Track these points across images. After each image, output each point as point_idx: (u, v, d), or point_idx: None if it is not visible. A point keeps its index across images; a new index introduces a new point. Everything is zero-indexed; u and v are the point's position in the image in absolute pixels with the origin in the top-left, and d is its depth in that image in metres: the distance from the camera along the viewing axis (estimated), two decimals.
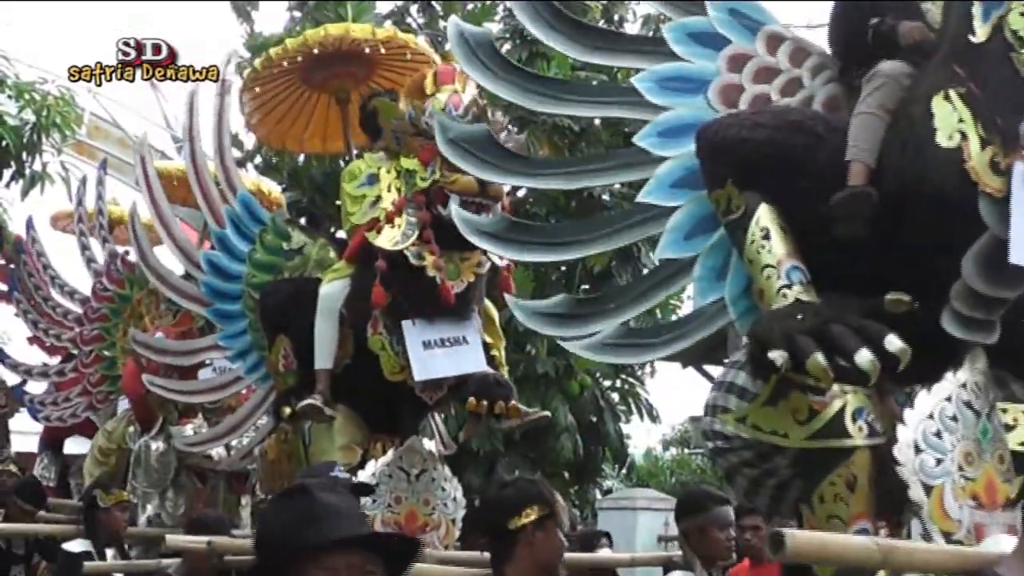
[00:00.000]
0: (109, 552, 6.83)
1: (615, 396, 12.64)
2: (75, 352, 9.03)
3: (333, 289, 5.36)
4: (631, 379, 12.83)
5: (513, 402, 5.07)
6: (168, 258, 7.44)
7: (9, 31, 8.78)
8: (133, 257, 8.89)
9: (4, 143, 7.49)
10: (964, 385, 3.02)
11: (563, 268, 11.74)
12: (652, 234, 3.67)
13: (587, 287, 11.90)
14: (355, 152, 6.11)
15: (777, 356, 2.97)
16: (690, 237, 3.58)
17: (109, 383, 8.60)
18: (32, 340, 9.75)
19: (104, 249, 8.92)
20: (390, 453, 5.13)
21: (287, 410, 5.40)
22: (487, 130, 3.78)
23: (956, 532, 2.87)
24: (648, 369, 13.73)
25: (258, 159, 14.59)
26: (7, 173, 7.82)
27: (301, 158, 12.14)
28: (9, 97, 7.71)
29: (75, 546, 6.65)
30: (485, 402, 5.00)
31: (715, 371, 16.51)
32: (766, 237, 3.28)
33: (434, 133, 4.81)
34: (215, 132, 6.02)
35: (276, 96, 6.47)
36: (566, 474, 12.25)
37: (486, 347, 5.29)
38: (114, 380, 8.55)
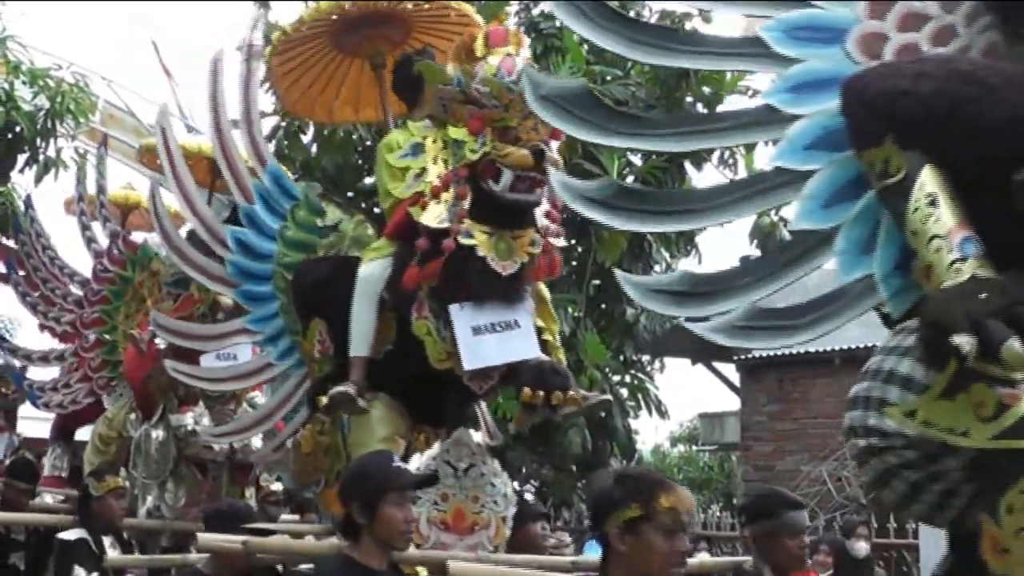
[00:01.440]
0: (107, 540, 6.24)
1: (624, 391, 12.12)
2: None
3: (373, 270, 4.74)
4: (640, 375, 12.34)
5: (572, 391, 4.47)
6: None
7: (24, 19, 8.39)
8: (135, 237, 8.45)
9: (18, 129, 7.31)
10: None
11: (574, 263, 11.19)
12: (782, 203, 3.11)
13: (598, 282, 11.36)
14: (392, 122, 5.48)
15: (964, 342, 2.40)
16: (830, 205, 2.99)
17: (110, 368, 7.98)
18: (43, 327, 9.10)
19: (105, 229, 8.28)
20: (436, 446, 4.61)
21: (323, 399, 4.78)
22: (586, 85, 3.19)
23: None
24: (657, 365, 13.28)
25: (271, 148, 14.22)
26: (21, 159, 7.58)
27: (314, 148, 11.60)
28: (24, 83, 7.50)
29: (70, 534, 6.10)
30: (541, 392, 4.40)
31: (725, 368, 16.36)
32: (933, 204, 2.69)
33: (485, 100, 4.35)
34: (242, 100, 5.37)
35: (305, 61, 5.83)
36: (574, 469, 11.78)
37: (538, 331, 4.69)
38: (115, 365, 7.94)
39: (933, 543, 8.16)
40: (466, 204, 4.41)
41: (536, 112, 3.21)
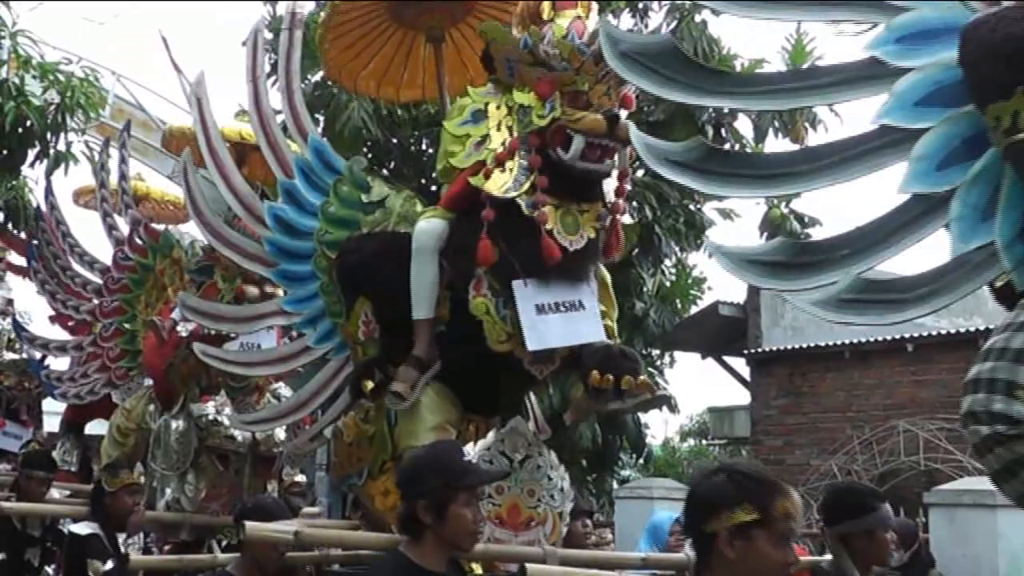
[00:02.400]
0: (121, 536, 6.04)
1: None
2: (98, 330, 8.09)
3: (433, 225, 4.44)
4: (650, 368, 12.02)
5: (643, 376, 4.15)
6: None
7: (33, 13, 8.22)
8: (157, 225, 8.13)
9: (29, 123, 7.12)
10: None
11: None
12: (889, 164, 2.75)
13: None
14: (448, 98, 5.15)
15: None
16: (944, 167, 2.65)
17: (129, 358, 7.68)
18: (55, 319, 8.78)
19: (127, 217, 7.94)
20: (490, 436, 4.33)
21: (369, 384, 4.48)
22: (671, 40, 2.85)
23: None
24: (667, 359, 12.97)
25: None
26: (31, 153, 7.43)
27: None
28: (34, 78, 7.33)
29: (82, 528, 5.83)
30: (611, 376, 4.08)
31: (734, 362, 16.10)
32: None
33: (554, 63, 4.06)
34: (283, 71, 5.08)
35: (359, 30, 5.55)
36: (584, 462, 11.47)
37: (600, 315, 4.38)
38: (134, 355, 7.64)
39: (943, 537, 8.21)
40: (534, 172, 4.13)
41: (616, 70, 2.88)
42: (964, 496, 8.60)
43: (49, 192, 8.51)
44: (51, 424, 10.02)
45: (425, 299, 4.41)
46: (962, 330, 13.19)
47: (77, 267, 8.26)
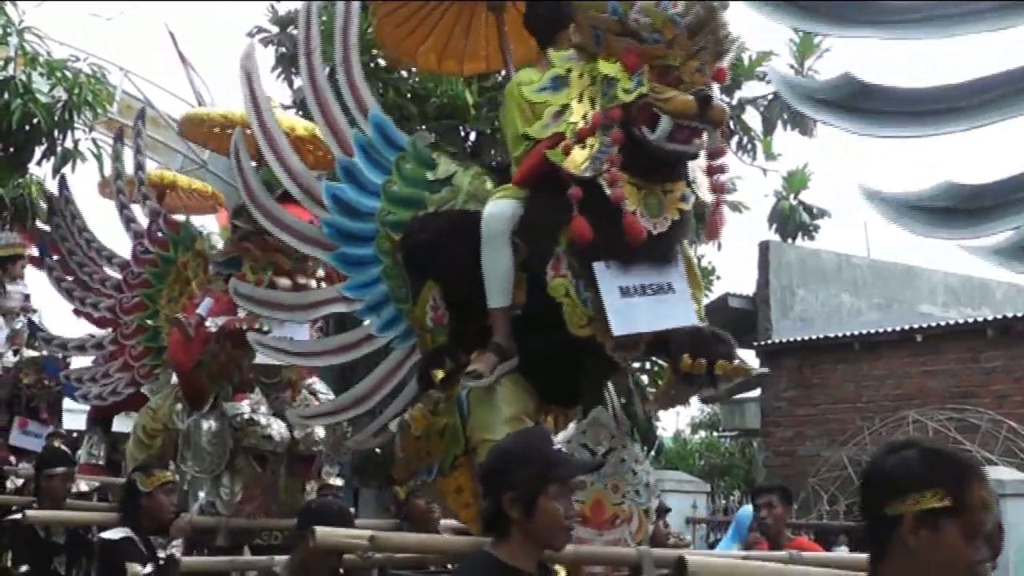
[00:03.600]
0: (155, 540, 5.53)
1: (644, 378, 11.45)
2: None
3: (503, 208, 4.05)
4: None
5: (738, 360, 3.78)
6: None
7: (40, 10, 7.95)
8: (177, 216, 7.67)
9: (36, 120, 6.91)
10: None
11: None
12: None
13: None
14: (512, 69, 4.72)
15: None
16: None
17: (153, 356, 7.31)
18: (78, 313, 8.28)
19: (145, 208, 7.47)
20: (571, 427, 3.96)
21: (440, 373, 4.11)
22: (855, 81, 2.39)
23: None
24: None
25: None
26: (39, 150, 7.19)
27: None
28: (41, 75, 7.12)
29: (114, 533, 5.36)
30: (704, 361, 3.69)
31: (744, 354, 15.67)
32: None
33: (644, 34, 3.68)
34: (341, 44, 4.64)
35: (406, 7, 5.18)
36: None
37: None
38: (158, 352, 7.24)
39: None
40: (615, 150, 3.73)
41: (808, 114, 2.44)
42: None
43: (64, 186, 8.06)
44: (71, 422, 9.71)
45: (500, 287, 4.04)
46: (970, 320, 13.10)
47: (94, 263, 7.76)
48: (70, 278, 7.93)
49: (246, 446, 6.02)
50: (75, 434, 9.28)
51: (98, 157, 7.55)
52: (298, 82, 13.80)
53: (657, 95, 3.66)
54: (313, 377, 6.61)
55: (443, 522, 6.31)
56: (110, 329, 7.65)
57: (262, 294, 5.31)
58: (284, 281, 5.96)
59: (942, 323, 13.20)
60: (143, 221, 7.53)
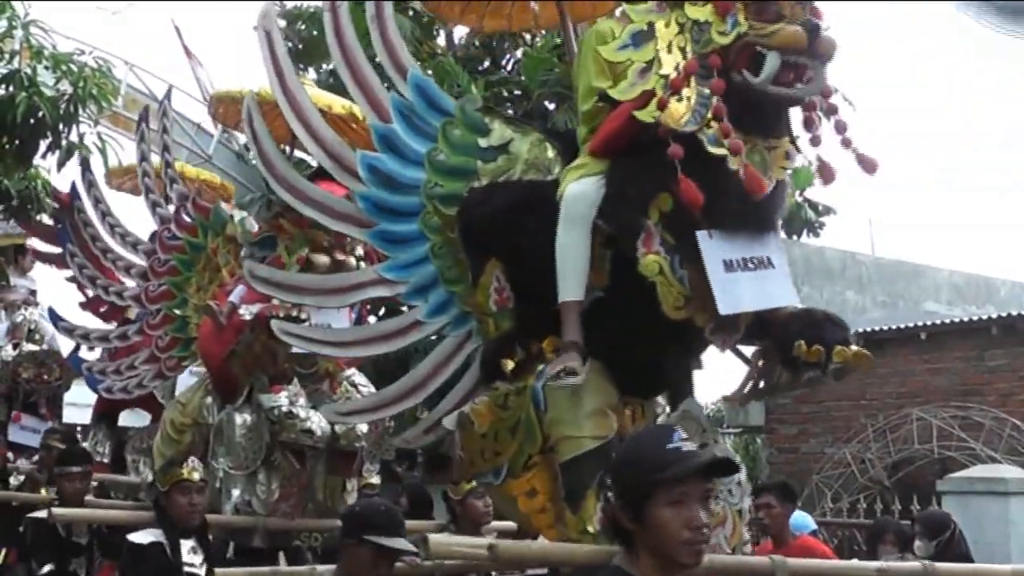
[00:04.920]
0: (187, 544, 5.09)
1: None
2: (132, 317, 7.38)
3: (586, 188, 3.58)
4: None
5: (855, 346, 3.39)
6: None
7: (46, 4, 7.80)
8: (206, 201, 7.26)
9: (41, 114, 6.70)
10: None
11: None
12: None
13: None
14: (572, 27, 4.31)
15: None
16: None
17: (181, 347, 6.85)
18: (85, 306, 7.93)
19: (172, 192, 7.08)
20: (660, 420, 3.59)
21: (509, 363, 3.67)
22: None
23: None
24: None
25: None
26: (43, 144, 7.02)
27: None
28: (46, 68, 6.94)
29: (142, 537, 4.99)
30: (821, 347, 3.30)
31: (749, 351, 15.56)
32: None
33: None
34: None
35: None
36: None
37: None
38: (186, 344, 6.81)
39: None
40: (715, 100, 3.30)
41: None
42: (976, 484, 8.88)
43: (86, 169, 7.66)
44: (71, 417, 9.46)
45: (576, 278, 3.59)
46: (975, 318, 13.14)
47: (119, 249, 7.40)
48: (92, 264, 7.55)
49: (284, 441, 5.58)
50: (78, 428, 8.96)
51: (103, 151, 7.35)
52: (312, 74, 13.65)
53: (759, 32, 3.27)
54: (352, 368, 6.23)
55: (493, 524, 5.95)
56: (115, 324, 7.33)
57: (282, 277, 4.77)
58: (322, 258, 5.51)
59: (946, 321, 13.19)
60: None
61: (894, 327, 13.22)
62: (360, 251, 5.59)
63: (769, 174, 3.38)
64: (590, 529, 3.40)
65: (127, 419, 7.97)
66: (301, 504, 5.80)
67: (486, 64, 13.47)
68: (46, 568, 6.19)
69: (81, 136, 7.12)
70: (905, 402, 12.67)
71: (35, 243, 9.52)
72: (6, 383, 8.95)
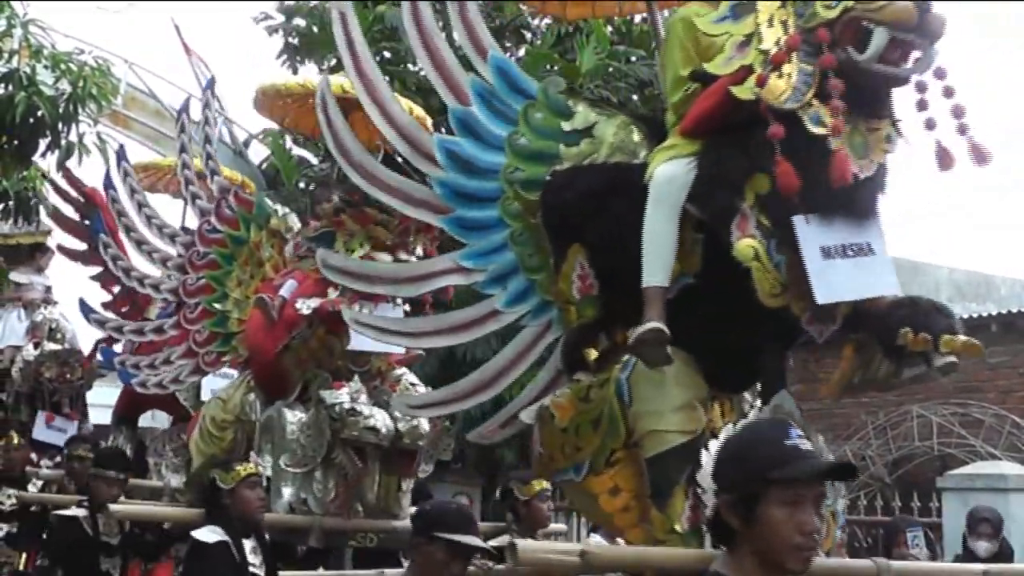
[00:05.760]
0: (247, 544, 5.03)
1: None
2: (152, 317, 7.55)
3: (676, 169, 3.51)
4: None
5: (963, 336, 3.27)
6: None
7: (45, 2, 7.90)
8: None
9: (40, 113, 6.80)
10: None
11: None
12: None
13: None
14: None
15: None
16: None
17: (220, 342, 6.77)
18: (108, 306, 7.93)
19: (213, 184, 7.01)
20: (752, 415, 3.43)
21: (592, 353, 3.61)
22: None
23: None
24: None
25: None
26: (43, 143, 7.09)
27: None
28: (45, 67, 6.97)
29: (207, 535, 4.88)
30: (928, 336, 3.20)
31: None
32: None
33: None
34: None
35: None
36: None
37: None
38: (227, 339, 6.74)
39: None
40: (819, 76, 3.24)
41: None
42: (976, 480, 8.96)
43: (122, 157, 7.60)
44: (96, 417, 9.43)
45: (663, 262, 3.50)
46: (975, 315, 13.05)
47: (155, 241, 7.32)
48: (127, 256, 7.48)
49: (346, 438, 5.54)
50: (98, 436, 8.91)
51: (102, 150, 7.37)
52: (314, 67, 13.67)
53: (866, 6, 3.18)
54: (403, 367, 6.16)
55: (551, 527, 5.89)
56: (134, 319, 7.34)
57: (357, 266, 4.71)
58: (384, 257, 5.46)
59: None
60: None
61: None
62: (420, 251, 5.53)
63: (870, 157, 3.30)
64: (678, 528, 3.34)
65: (145, 422, 7.96)
66: (348, 503, 5.74)
67: None
68: (59, 572, 6.17)
69: (81, 135, 7.14)
70: (905, 399, 12.66)
71: (62, 239, 9.44)
72: (29, 383, 9.05)
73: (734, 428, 2.76)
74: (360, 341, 5.32)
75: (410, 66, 12.17)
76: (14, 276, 9.70)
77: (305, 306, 5.58)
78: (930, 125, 3.25)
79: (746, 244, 3.32)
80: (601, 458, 3.66)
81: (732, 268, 3.33)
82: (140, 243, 7.33)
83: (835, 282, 3.25)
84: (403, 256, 5.46)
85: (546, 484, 5.56)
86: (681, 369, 3.47)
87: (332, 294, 5.56)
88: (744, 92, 3.33)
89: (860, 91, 3.26)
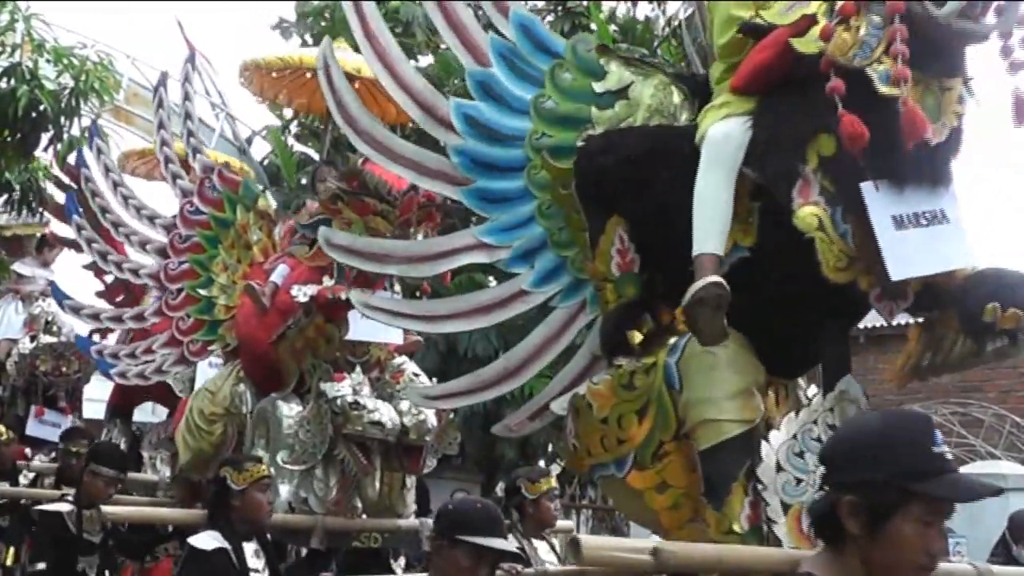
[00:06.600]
0: (249, 547, 4.70)
1: None
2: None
3: (732, 128, 3.25)
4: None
5: None
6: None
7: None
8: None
9: (42, 108, 6.95)
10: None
11: None
12: None
13: None
14: None
15: None
16: None
17: (206, 330, 6.47)
18: (101, 294, 7.60)
19: (196, 162, 6.68)
20: (816, 402, 3.18)
21: (637, 336, 3.31)
22: None
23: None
24: None
25: (295, 127, 13.80)
26: (45, 137, 7.22)
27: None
28: (48, 62, 7.14)
29: (204, 541, 4.55)
30: (1020, 311, 2.93)
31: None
32: None
33: None
34: None
35: None
36: None
37: None
38: (212, 326, 6.43)
39: (956, 521, 7.63)
40: (892, 25, 2.97)
41: None
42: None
43: (94, 133, 7.26)
44: (91, 411, 9.09)
45: (714, 229, 3.22)
46: None
47: (133, 223, 6.96)
48: (103, 239, 7.13)
49: (348, 434, 5.26)
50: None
51: (103, 139, 7.32)
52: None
53: None
54: (402, 356, 5.85)
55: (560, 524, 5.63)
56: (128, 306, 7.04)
57: (365, 244, 4.32)
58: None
59: None
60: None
61: (895, 324, 13.26)
62: None
63: (943, 119, 3.05)
64: (736, 528, 3.10)
65: (140, 416, 7.70)
66: (346, 501, 5.46)
67: None
68: (40, 565, 5.88)
69: (83, 130, 7.20)
70: (906, 399, 12.55)
71: (54, 227, 9.17)
72: (24, 377, 8.88)
73: (858, 416, 2.48)
74: (359, 330, 5.07)
75: (417, 60, 12.03)
76: (18, 267, 9.58)
77: (302, 293, 5.28)
78: (1015, 67, 2.98)
79: (809, 212, 3.06)
80: (647, 451, 3.40)
81: (793, 239, 3.07)
82: (117, 225, 6.97)
83: (910, 255, 2.99)
84: None
85: (554, 482, 5.36)
86: (736, 352, 3.22)
87: (327, 282, 5.26)
88: (807, 45, 3.09)
89: (936, 48, 3.02)
